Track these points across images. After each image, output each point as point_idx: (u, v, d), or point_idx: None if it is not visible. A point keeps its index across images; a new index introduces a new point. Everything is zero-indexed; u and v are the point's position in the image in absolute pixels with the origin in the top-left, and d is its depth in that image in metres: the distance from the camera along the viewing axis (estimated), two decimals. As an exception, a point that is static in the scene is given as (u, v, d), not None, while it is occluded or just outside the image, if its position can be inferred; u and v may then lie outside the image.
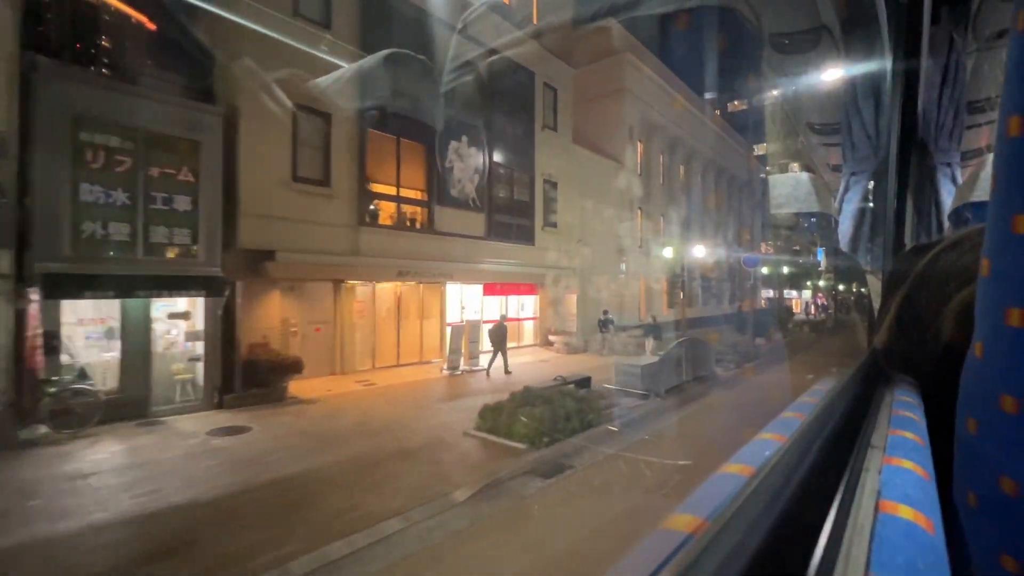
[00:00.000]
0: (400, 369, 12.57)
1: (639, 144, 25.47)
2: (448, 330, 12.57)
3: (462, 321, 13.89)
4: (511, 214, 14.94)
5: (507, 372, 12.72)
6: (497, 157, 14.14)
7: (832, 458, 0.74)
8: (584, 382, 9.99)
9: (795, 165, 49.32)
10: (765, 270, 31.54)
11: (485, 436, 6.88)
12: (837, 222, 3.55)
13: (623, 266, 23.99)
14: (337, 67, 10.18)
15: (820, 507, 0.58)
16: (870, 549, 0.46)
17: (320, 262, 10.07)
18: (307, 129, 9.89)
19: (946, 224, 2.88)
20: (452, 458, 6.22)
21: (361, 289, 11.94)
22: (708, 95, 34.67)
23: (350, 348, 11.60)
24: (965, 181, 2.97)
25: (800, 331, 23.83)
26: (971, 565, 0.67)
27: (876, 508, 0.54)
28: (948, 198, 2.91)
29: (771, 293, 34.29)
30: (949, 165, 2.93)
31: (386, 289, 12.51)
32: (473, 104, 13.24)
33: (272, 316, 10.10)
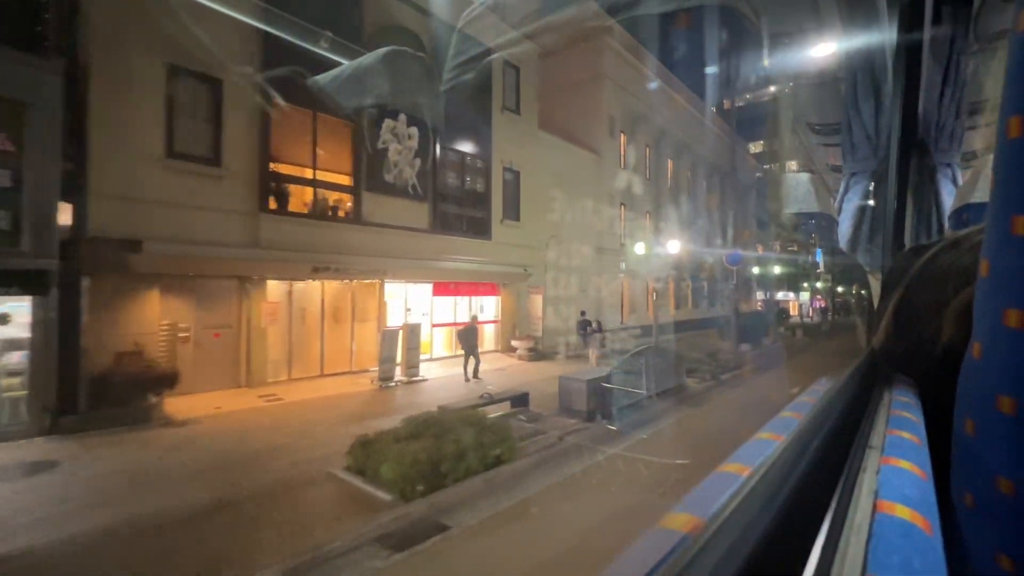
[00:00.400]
0: (323, 380, 10.94)
1: (621, 136, 23.89)
2: (381, 335, 10.93)
3: (397, 325, 12.25)
4: (463, 205, 13.32)
5: (467, 379, 11.43)
6: (445, 140, 12.53)
7: (830, 458, 0.75)
8: (520, 400, 8.37)
9: (793, 163, 47.95)
10: (756, 270, 29.87)
11: (351, 479, 5.26)
12: (837, 222, 3.48)
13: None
14: (231, 22, 8.58)
15: (818, 507, 0.58)
16: (867, 549, 0.46)
17: (205, 255, 8.45)
18: (189, 95, 8.28)
19: (946, 225, 2.78)
20: (287, 513, 4.59)
21: (276, 288, 10.32)
22: (702, 89, 33.04)
23: (259, 357, 9.98)
24: (966, 182, 2.91)
25: (793, 335, 22.16)
26: (968, 565, 0.67)
27: (874, 508, 0.55)
28: (948, 199, 2.83)
29: (763, 295, 32.66)
30: (949, 166, 2.84)
31: (308, 288, 10.89)
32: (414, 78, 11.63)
33: (148, 319, 8.48)
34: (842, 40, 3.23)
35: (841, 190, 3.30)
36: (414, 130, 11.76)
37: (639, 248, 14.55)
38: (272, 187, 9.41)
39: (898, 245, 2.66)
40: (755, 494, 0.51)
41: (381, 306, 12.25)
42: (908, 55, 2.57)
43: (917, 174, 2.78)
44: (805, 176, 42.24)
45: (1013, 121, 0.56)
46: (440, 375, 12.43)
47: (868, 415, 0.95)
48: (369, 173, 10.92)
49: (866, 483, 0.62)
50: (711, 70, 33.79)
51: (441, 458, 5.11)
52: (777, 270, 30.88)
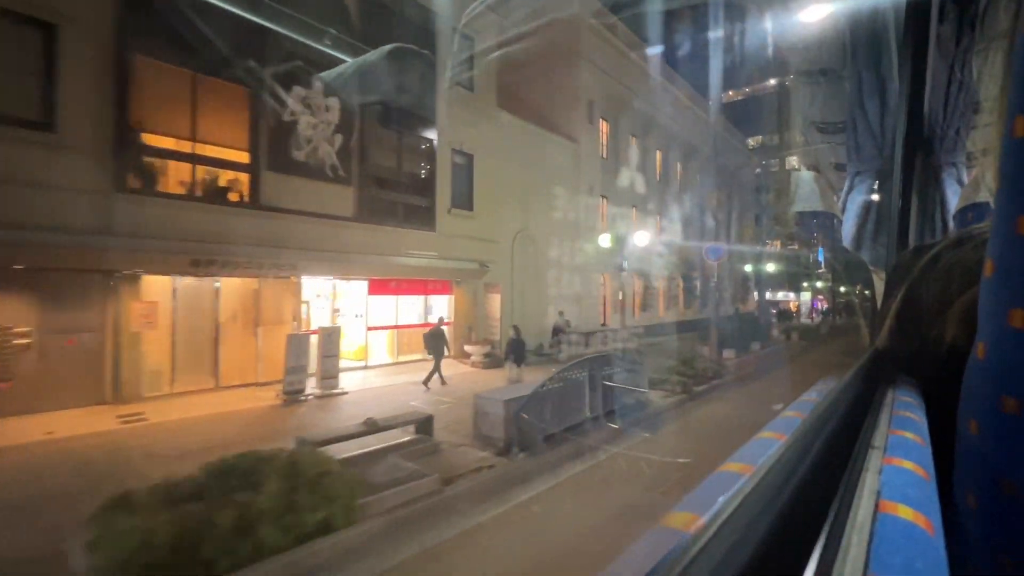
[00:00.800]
0: (218, 394, 9.26)
1: (602, 123, 22.14)
2: (287, 342, 9.22)
3: (313, 329, 10.56)
4: (399, 191, 11.61)
5: (438, 383, 10.47)
6: (375, 114, 10.83)
7: (832, 458, 0.74)
8: (424, 424, 6.65)
9: (793, 159, 46.19)
10: (749, 267, 28.04)
11: (78, 563, 3.55)
12: (840, 221, 3.48)
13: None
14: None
15: (819, 507, 0.59)
16: (869, 549, 0.46)
17: (27, 242, 6.77)
18: (5, 43, 6.62)
19: (951, 224, 2.76)
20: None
21: (157, 285, 8.66)
22: (697, 79, 31.20)
23: (131, 367, 8.32)
24: (970, 181, 2.89)
25: (788, 339, 20.33)
26: (971, 565, 0.66)
27: (876, 508, 0.55)
28: (953, 198, 2.80)
29: (757, 294, 30.80)
30: (954, 165, 2.81)
31: (200, 285, 9.22)
32: (334, 38, 9.96)
33: (-40, 322, 6.83)
34: (847, 38, 3.17)
35: (845, 189, 3.24)
36: (334, 101, 10.07)
37: (604, 240, 12.78)
38: (134, 161, 7.73)
39: (902, 244, 2.61)
40: (757, 493, 0.50)
41: (298, 307, 10.56)
42: (914, 53, 2.54)
43: (922, 173, 2.73)
44: (808, 174, 40.48)
45: (1020, 120, 0.56)
46: (375, 385, 10.79)
47: (871, 415, 0.94)
48: (273, 149, 9.24)
49: (868, 483, 0.61)
50: (713, 57, 31.96)
51: (209, 534, 3.40)
52: (772, 268, 29.00)
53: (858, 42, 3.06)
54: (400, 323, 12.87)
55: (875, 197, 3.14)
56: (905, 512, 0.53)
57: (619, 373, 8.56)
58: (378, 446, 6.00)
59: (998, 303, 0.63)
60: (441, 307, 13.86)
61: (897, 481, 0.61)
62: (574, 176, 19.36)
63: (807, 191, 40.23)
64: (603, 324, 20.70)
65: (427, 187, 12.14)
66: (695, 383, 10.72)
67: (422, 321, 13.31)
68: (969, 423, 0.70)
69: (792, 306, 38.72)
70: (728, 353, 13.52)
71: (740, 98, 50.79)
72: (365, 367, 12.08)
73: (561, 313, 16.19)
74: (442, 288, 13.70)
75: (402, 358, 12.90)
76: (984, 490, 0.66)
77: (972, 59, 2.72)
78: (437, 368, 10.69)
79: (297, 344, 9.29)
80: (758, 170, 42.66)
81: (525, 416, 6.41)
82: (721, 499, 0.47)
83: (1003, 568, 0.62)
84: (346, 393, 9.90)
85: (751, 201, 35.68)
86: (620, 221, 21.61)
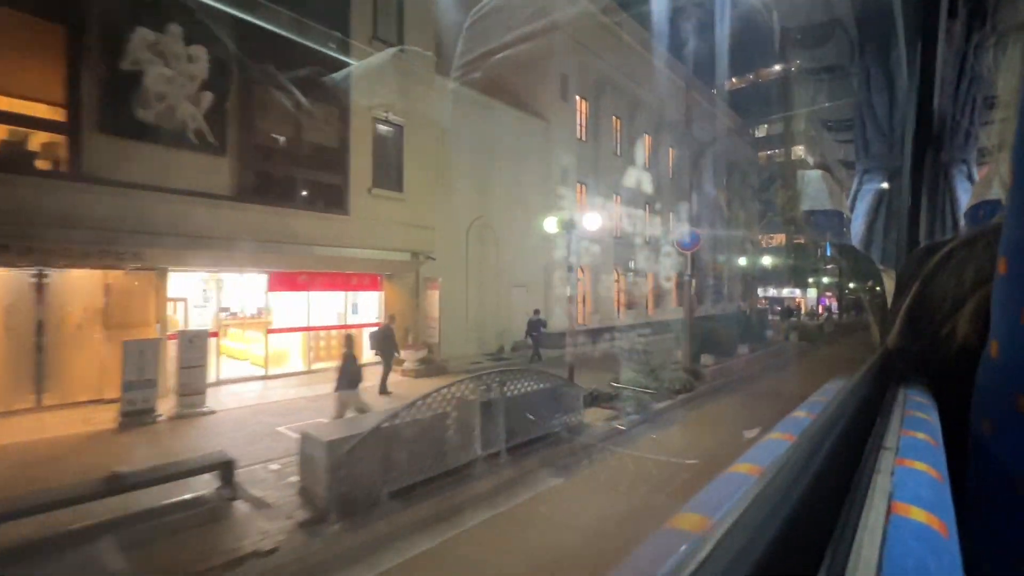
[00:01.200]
0: (36, 416, 7.32)
1: (580, 101, 20.02)
2: (124, 350, 7.24)
3: (168, 332, 8.58)
4: (298, 164, 9.60)
5: (382, 392, 8.98)
6: (262, 70, 8.81)
7: (843, 459, 0.73)
8: (225, 473, 4.62)
9: (800, 149, 43.77)
10: (743, 260, 25.75)
11: None
12: (848, 219, 3.43)
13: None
14: None
15: (830, 509, 0.57)
16: (882, 552, 0.45)
17: None
18: None
19: (961, 222, 2.71)
20: None
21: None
22: (698, 66, 28.85)
23: (-97, 384, 6.40)
24: (982, 178, 2.79)
25: (786, 340, 18.09)
26: (986, 568, 0.63)
27: (888, 510, 0.53)
28: (964, 196, 2.77)
29: (744, 291, 28.46)
30: (965, 162, 2.78)
31: (12, 279, 7.29)
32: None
33: None
34: (856, 35, 3.12)
35: (854, 187, 3.21)
36: (199, 51, 8.08)
37: (550, 224, 10.70)
38: None
39: (913, 242, 2.59)
40: (766, 495, 0.48)
41: (163, 305, 8.59)
42: (923, 49, 2.49)
43: (932, 170, 2.67)
44: (815, 172, 38.10)
45: None
46: (267, 400, 8.89)
47: (882, 415, 0.91)
48: (104, 106, 7.27)
49: (880, 485, 0.60)
50: (719, 32, 29.50)
51: None
52: (773, 262, 26.68)
53: (866, 37, 2.99)
54: (313, 324, 10.88)
55: (885, 195, 3.04)
56: (918, 514, 0.51)
57: (543, 389, 6.51)
58: (132, 511, 4.02)
59: (1012, 301, 0.62)
60: (370, 305, 11.87)
61: (910, 483, 0.59)
62: (544, 158, 17.30)
63: (814, 189, 37.83)
64: (580, 323, 18.62)
65: (337, 162, 10.11)
66: (656, 398, 8.64)
67: (342, 322, 11.32)
68: (983, 423, 0.68)
69: (797, 303, 36.30)
70: (706, 359, 11.38)
71: (743, 85, 48.31)
72: (265, 377, 10.11)
73: (537, 312, 14.17)
74: (369, 283, 11.70)
75: (318, 365, 10.91)
76: (999, 491, 0.64)
77: (983, 53, 2.60)
78: (387, 371, 9.31)
79: (139, 353, 7.33)
80: (761, 161, 40.29)
81: (356, 463, 4.37)
82: (729, 501, 0.46)
83: (1020, 571, 0.59)
84: (213, 413, 7.94)
85: (752, 192, 33.31)
86: (600, 210, 19.48)
